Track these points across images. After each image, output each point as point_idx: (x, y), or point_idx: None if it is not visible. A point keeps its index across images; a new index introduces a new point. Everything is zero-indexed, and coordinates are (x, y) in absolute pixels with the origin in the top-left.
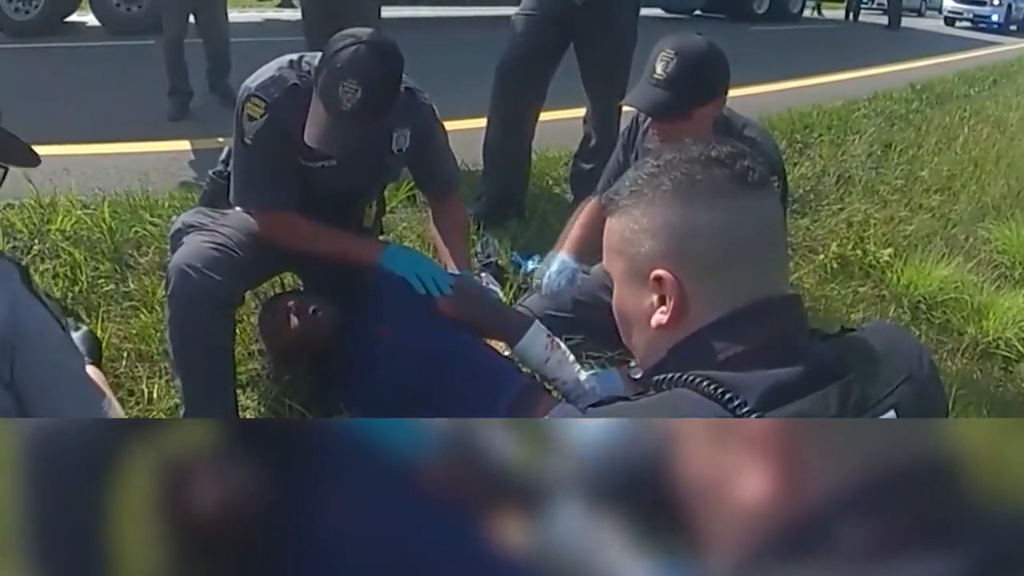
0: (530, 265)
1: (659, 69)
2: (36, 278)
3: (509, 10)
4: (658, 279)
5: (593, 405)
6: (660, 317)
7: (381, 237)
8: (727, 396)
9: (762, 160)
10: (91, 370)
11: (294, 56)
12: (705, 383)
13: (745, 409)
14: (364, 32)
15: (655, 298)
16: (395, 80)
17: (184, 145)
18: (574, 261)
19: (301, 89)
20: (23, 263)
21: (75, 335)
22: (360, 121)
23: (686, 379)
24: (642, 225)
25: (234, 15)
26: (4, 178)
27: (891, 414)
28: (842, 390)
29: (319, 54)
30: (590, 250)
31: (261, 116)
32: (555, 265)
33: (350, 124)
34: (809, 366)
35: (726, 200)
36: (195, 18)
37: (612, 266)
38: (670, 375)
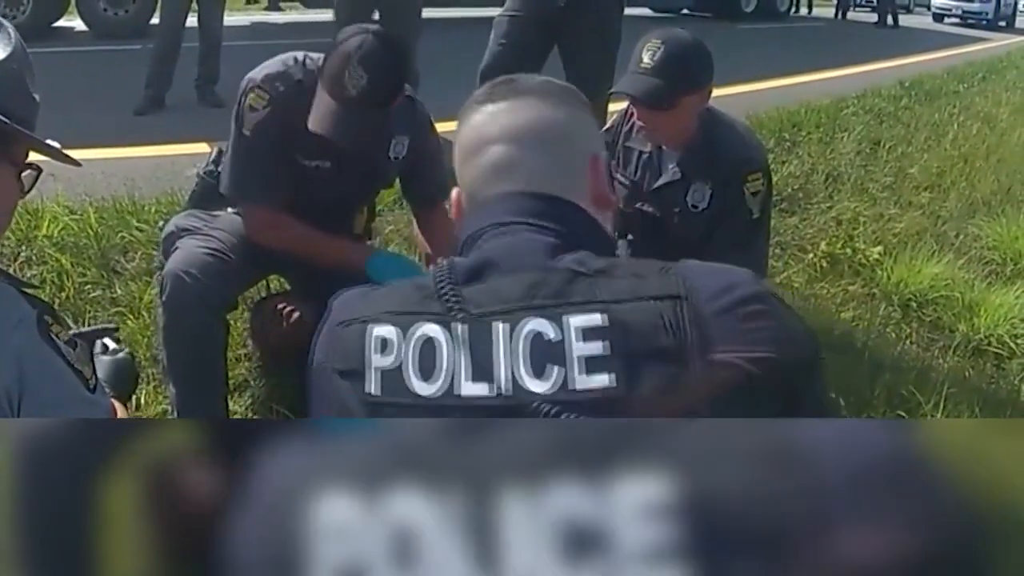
0: None
1: (646, 59)
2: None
3: (492, 11)
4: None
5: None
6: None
7: (369, 242)
8: (436, 269)
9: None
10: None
11: (299, 54)
12: (441, 260)
13: (439, 276)
14: (373, 25)
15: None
16: (400, 70)
17: (170, 150)
18: None
19: (305, 86)
20: (48, 304)
21: (105, 359)
22: (362, 109)
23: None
24: None
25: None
26: (37, 180)
27: (595, 317)
28: (532, 280)
29: (323, 54)
30: None
31: (264, 108)
32: None
33: (353, 111)
34: (515, 251)
35: (469, 116)
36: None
37: None
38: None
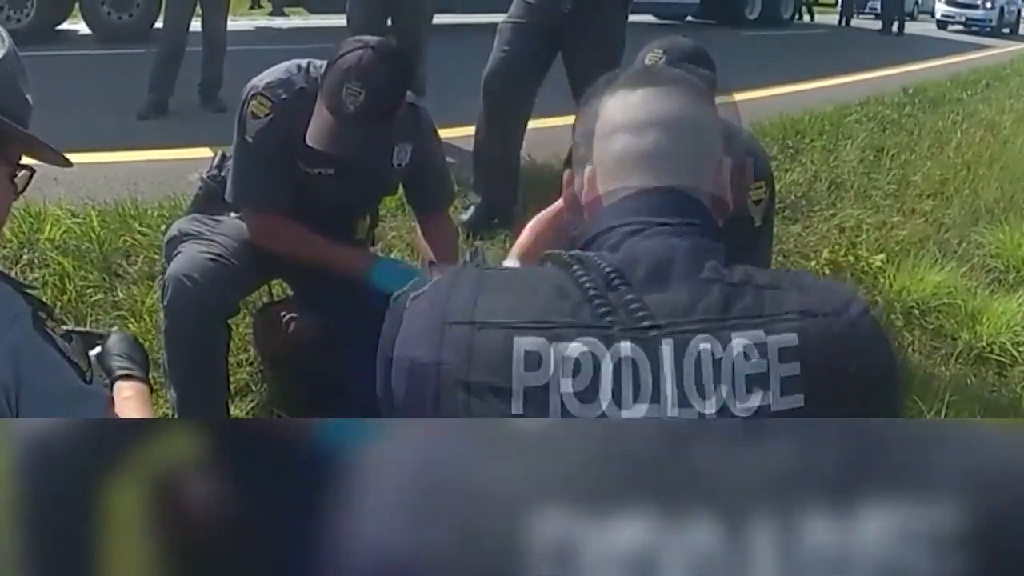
0: None
1: None
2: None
3: (498, 18)
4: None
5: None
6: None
7: (372, 248)
8: (574, 268)
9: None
10: (131, 388)
11: (302, 61)
12: (566, 256)
13: (585, 279)
14: (372, 38)
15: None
16: (399, 85)
17: (173, 154)
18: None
19: (308, 93)
20: (43, 302)
21: (112, 340)
22: (362, 124)
23: (558, 254)
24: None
25: None
26: (30, 182)
27: (791, 336)
28: (699, 288)
29: (326, 61)
30: (535, 253)
31: (266, 116)
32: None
33: (352, 126)
34: (678, 256)
35: (605, 98)
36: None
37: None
38: (554, 251)
